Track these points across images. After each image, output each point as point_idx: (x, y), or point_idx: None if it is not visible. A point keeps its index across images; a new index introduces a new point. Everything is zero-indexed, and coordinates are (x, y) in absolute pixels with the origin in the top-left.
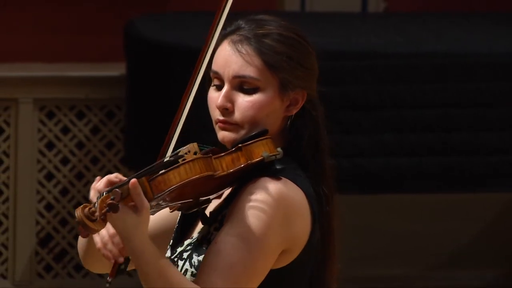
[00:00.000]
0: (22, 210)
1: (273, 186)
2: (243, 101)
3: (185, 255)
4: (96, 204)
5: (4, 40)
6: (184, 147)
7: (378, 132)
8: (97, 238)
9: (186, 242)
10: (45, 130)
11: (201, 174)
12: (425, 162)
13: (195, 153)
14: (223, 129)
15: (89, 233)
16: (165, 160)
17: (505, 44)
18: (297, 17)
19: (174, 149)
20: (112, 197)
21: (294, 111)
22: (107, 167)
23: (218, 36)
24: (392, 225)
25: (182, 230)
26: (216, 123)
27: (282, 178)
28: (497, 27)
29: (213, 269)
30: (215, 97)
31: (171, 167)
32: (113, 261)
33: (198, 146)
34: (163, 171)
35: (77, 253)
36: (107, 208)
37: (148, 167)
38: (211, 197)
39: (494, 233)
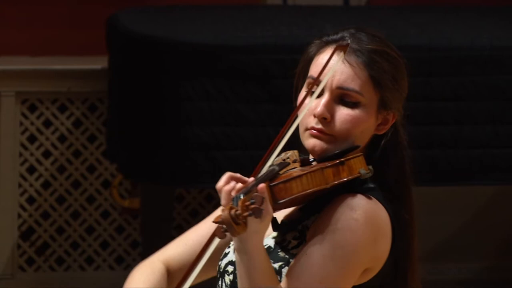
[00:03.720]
0: (3, 203)
1: (366, 205)
2: (343, 114)
3: None
4: (238, 207)
5: None
6: (286, 154)
7: None
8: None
9: None
10: (27, 123)
11: (320, 187)
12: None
13: (294, 161)
14: (316, 137)
15: (227, 235)
16: (272, 166)
17: (488, 37)
18: (279, 10)
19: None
20: (252, 200)
21: (383, 131)
22: (89, 160)
23: (317, 42)
24: None
25: None
26: (307, 130)
27: (373, 197)
28: (481, 20)
29: (303, 281)
30: (310, 104)
31: (294, 176)
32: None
33: (298, 154)
34: (284, 179)
35: (59, 246)
36: (251, 212)
37: (265, 173)
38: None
39: (478, 226)
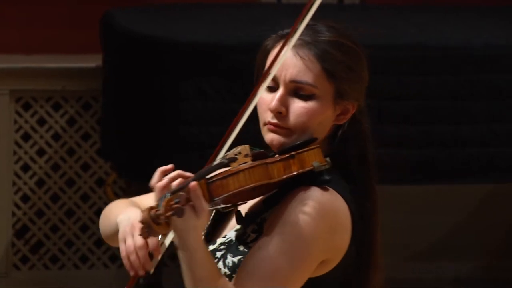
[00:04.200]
0: None
1: (321, 197)
2: (298, 106)
3: (218, 254)
4: (160, 207)
5: None
6: (236, 149)
7: None
8: (122, 246)
9: (219, 240)
10: (21, 122)
11: (259, 182)
12: (404, 154)
13: (246, 155)
14: (273, 132)
15: (151, 235)
16: (218, 162)
17: (485, 36)
18: (273, 8)
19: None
20: (176, 200)
21: (344, 121)
22: (83, 159)
23: (273, 37)
24: None
25: (214, 227)
26: (265, 124)
27: (330, 189)
28: (478, 20)
29: (254, 274)
30: (267, 99)
31: (231, 173)
32: (133, 273)
33: (250, 148)
34: (222, 176)
35: (53, 244)
36: (173, 212)
37: (205, 169)
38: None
39: (472, 225)
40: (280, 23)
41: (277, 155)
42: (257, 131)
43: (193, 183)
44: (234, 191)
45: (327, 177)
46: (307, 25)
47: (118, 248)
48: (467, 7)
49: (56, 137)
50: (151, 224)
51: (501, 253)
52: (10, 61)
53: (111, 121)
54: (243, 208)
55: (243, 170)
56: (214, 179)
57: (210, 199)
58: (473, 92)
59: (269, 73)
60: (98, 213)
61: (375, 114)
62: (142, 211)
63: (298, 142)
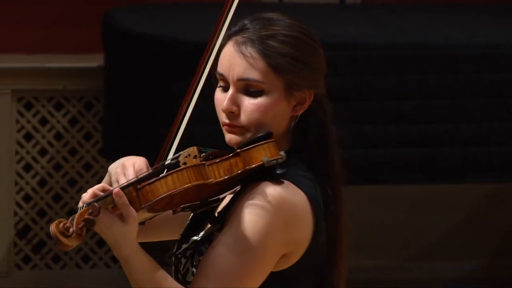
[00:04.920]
0: (0, 201)
1: (272, 191)
2: (249, 104)
3: (188, 253)
4: (73, 219)
5: None
6: (184, 151)
7: (357, 124)
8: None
9: (192, 239)
10: (23, 121)
11: (190, 184)
12: (404, 154)
13: (195, 157)
14: (229, 132)
15: (63, 248)
16: (155, 167)
17: (484, 35)
18: (275, 8)
19: (177, 151)
20: (90, 211)
21: (301, 111)
22: (85, 158)
23: (223, 36)
24: (370, 216)
25: (192, 227)
26: (223, 125)
27: (284, 181)
28: (477, 18)
29: (207, 275)
30: (221, 99)
31: (159, 177)
32: None
33: (198, 149)
34: (150, 181)
35: (55, 244)
36: (83, 223)
37: (140, 175)
38: (220, 197)
39: (472, 225)
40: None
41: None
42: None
43: (116, 189)
44: (163, 195)
45: (280, 171)
46: (254, 18)
47: None
48: (467, 6)
49: (58, 136)
50: (59, 237)
51: (501, 253)
52: (12, 61)
53: (113, 121)
54: (219, 208)
55: (171, 174)
56: (144, 184)
57: (141, 206)
58: (473, 91)
59: (201, 73)
60: None
61: (376, 114)
62: (51, 225)
63: (252, 139)
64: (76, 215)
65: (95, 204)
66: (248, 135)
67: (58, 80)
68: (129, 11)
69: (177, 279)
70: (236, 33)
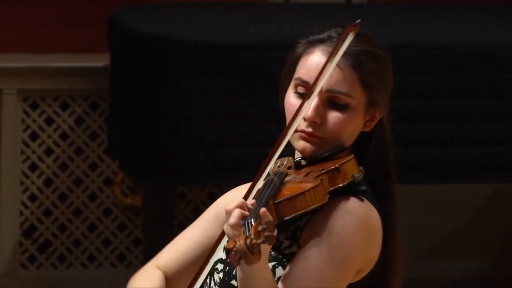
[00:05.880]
0: (5, 201)
1: (360, 208)
2: (333, 116)
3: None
4: (251, 235)
5: None
6: (282, 162)
7: None
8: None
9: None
10: (29, 121)
11: (322, 202)
12: (408, 153)
13: (289, 168)
14: (305, 140)
15: (250, 263)
16: (271, 179)
17: (489, 35)
18: (281, 8)
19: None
20: (264, 227)
21: (370, 128)
22: (91, 158)
23: (304, 42)
24: None
25: None
26: (297, 131)
27: (365, 199)
28: (482, 18)
29: (301, 284)
30: (295, 105)
31: (297, 193)
32: None
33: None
34: (288, 196)
35: (61, 244)
36: (264, 239)
37: (266, 191)
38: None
39: (473, 225)
40: (292, 23)
41: (320, 169)
42: None
43: (263, 209)
44: (302, 211)
45: (364, 188)
46: (339, 33)
47: (126, 247)
48: (471, 6)
49: (63, 136)
50: (247, 254)
51: (502, 253)
52: (18, 61)
53: (118, 120)
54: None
55: (308, 190)
56: (281, 199)
57: (279, 220)
58: (477, 91)
59: (313, 91)
60: (106, 212)
61: None
62: (237, 239)
63: (330, 152)
64: (252, 232)
65: (269, 220)
66: (325, 147)
67: (63, 80)
68: (136, 10)
69: None
70: (322, 42)
